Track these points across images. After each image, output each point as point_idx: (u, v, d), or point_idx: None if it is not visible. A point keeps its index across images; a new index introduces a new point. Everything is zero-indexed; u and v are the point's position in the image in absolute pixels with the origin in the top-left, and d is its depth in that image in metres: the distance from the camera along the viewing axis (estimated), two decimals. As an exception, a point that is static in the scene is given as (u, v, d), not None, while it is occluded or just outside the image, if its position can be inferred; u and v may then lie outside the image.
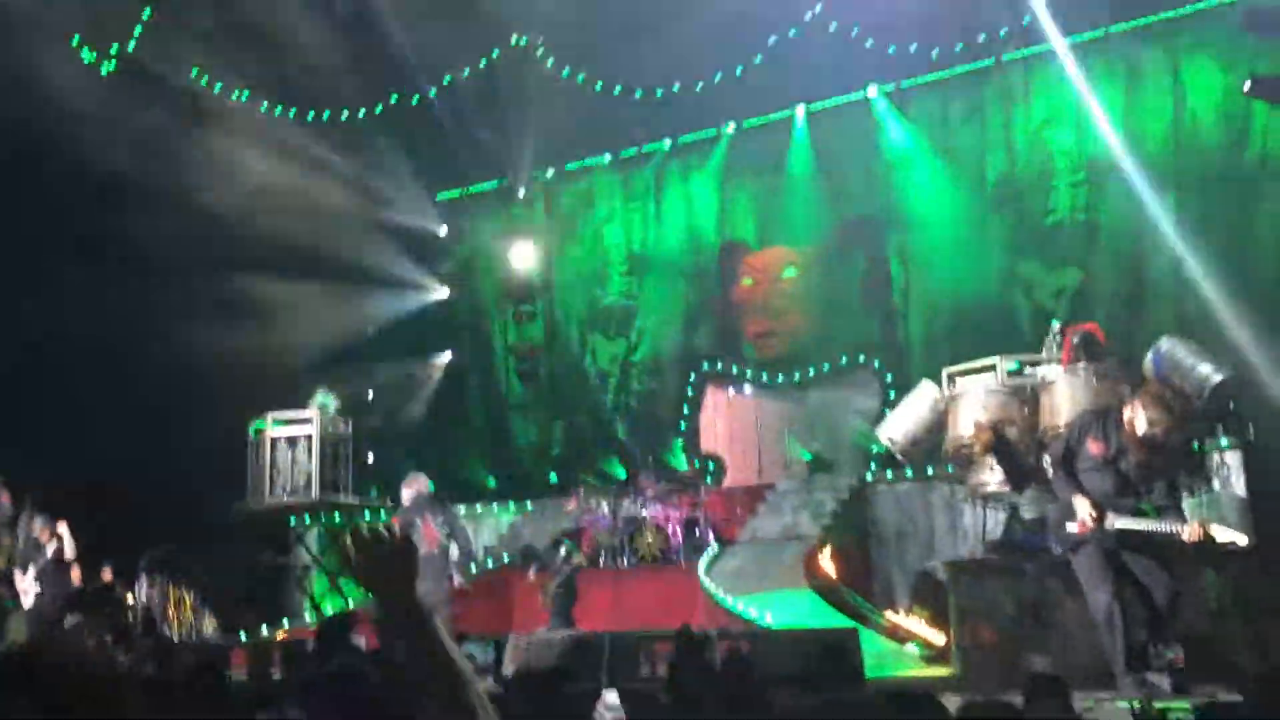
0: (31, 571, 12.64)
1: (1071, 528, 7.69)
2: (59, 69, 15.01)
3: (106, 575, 14.90)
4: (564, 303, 19.04)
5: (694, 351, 17.60)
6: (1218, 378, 9.57)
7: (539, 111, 17.06)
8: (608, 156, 18.71)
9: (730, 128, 17.46)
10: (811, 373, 16.36)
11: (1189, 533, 7.25)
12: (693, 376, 17.40)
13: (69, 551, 12.75)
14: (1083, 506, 7.57)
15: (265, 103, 17.45)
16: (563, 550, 12.50)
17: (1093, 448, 7.74)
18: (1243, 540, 7.42)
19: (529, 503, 16.40)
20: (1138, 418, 7.48)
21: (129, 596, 14.99)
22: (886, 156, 16.31)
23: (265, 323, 16.10)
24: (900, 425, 11.37)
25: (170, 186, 15.61)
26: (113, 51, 16.24)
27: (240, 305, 16.01)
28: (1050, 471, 8.14)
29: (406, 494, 11.86)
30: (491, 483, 18.54)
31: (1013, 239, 15.31)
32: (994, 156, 15.62)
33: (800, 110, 16.81)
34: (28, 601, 12.63)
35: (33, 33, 14.63)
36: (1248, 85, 11.89)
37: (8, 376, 14.81)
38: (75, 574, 13.23)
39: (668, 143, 18.10)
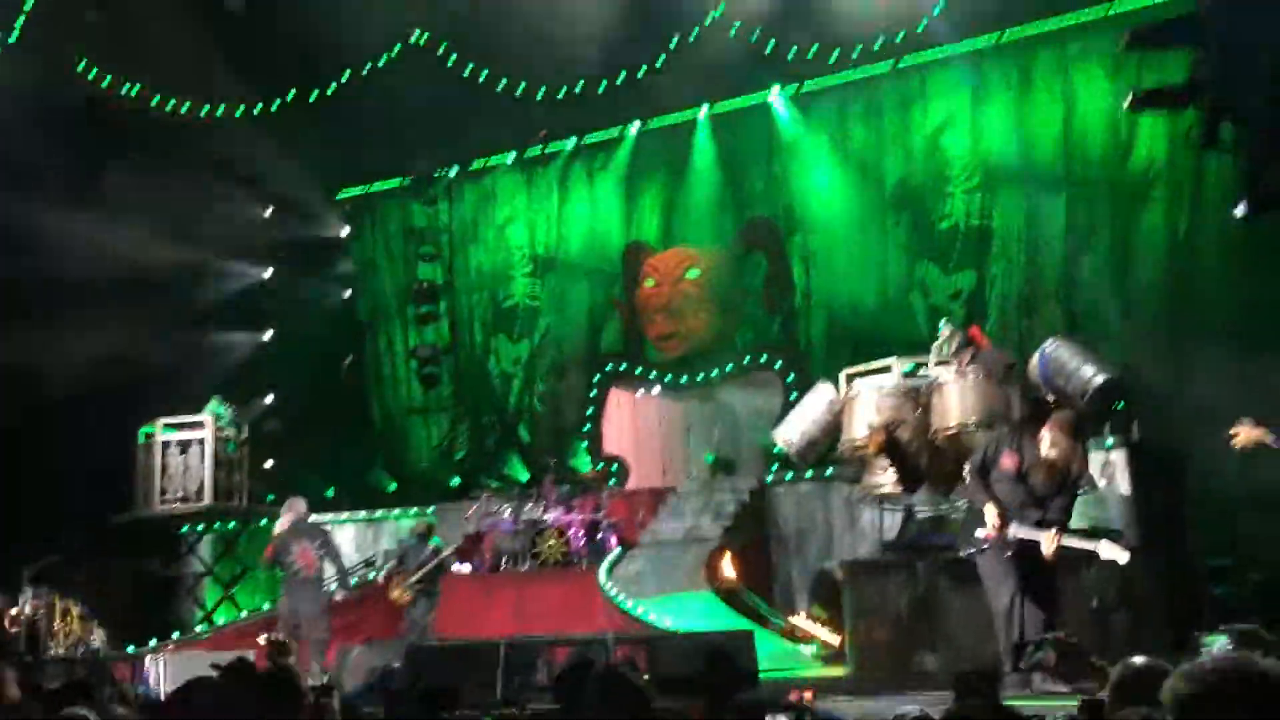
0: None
1: (980, 533, 7.90)
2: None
3: (-13, 589, 14.39)
4: (467, 304, 18.84)
5: (597, 353, 17.54)
6: (1100, 379, 9.78)
7: (440, 110, 16.82)
8: (511, 156, 18.55)
9: (634, 128, 17.43)
10: (714, 374, 16.39)
11: (1048, 546, 7.56)
12: (596, 378, 17.32)
13: None
14: (991, 514, 7.79)
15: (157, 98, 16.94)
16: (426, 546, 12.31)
17: (1006, 461, 7.98)
18: (1123, 558, 7.63)
19: (431, 508, 16.16)
20: (1043, 441, 7.77)
21: (12, 610, 14.49)
22: (787, 158, 16.41)
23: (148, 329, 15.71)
24: (796, 427, 11.44)
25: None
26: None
27: (125, 310, 15.53)
28: (967, 479, 8.33)
29: (284, 519, 11.80)
30: (392, 487, 18.28)
31: (910, 242, 15.49)
32: (892, 160, 15.79)
33: (703, 111, 16.83)
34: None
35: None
36: (1128, 101, 12.19)
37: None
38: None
39: (572, 142, 17.99)
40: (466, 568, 14.13)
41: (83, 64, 16.28)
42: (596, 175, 17.96)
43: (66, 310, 15.03)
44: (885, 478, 10.54)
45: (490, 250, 18.76)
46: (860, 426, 10.53)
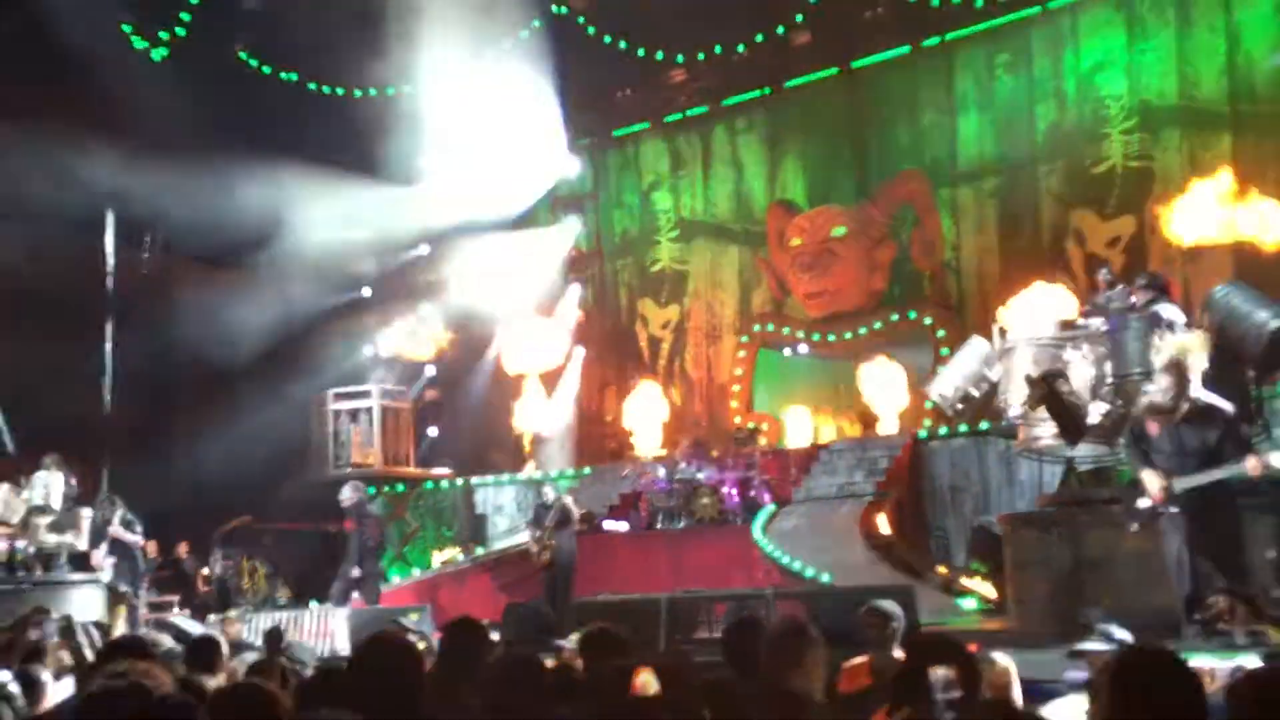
0: (104, 548, 13.05)
1: (1143, 503, 7.75)
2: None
3: (182, 550, 15.44)
4: (612, 269, 19.14)
5: (745, 314, 17.63)
6: (1275, 324, 9.43)
7: (583, 79, 17.07)
8: (653, 122, 18.71)
9: (776, 89, 17.37)
10: (863, 331, 16.34)
11: (1251, 467, 7.32)
12: (745, 339, 17.43)
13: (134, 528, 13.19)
14: (1152, 482, 7.63)
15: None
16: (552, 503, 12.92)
17: (1151, 427, 7.81)
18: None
19: (586, 469, 16.58)
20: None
21: (204, 570, 15.51)
22: (934, 110, 16.15)
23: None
24: (951, 381, 11.32)
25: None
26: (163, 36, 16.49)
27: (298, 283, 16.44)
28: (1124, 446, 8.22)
29: (351, 496, 13.08)
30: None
31: (1064, 188, 15.12)
32: (1043, 106, 15.41)
33: (846, 67, 16.67)
34: (105, 577, 13.06)
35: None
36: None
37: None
38: (151, 549, 13.69)
39: (714, 106, 18.03)
40: (622, 526, 14.47)
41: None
42: (739, 137, 18.00)
43: (247, 287, 16.00)
44: (1044, 430, 10.37)
45: (635, 215, 19.01)
46: (1017, 379, 10.39)
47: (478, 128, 17.53)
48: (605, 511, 14.85)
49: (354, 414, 15.81)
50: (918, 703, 3.49)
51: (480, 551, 15.46)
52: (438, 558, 15.95)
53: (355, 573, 13.03)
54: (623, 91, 18.26)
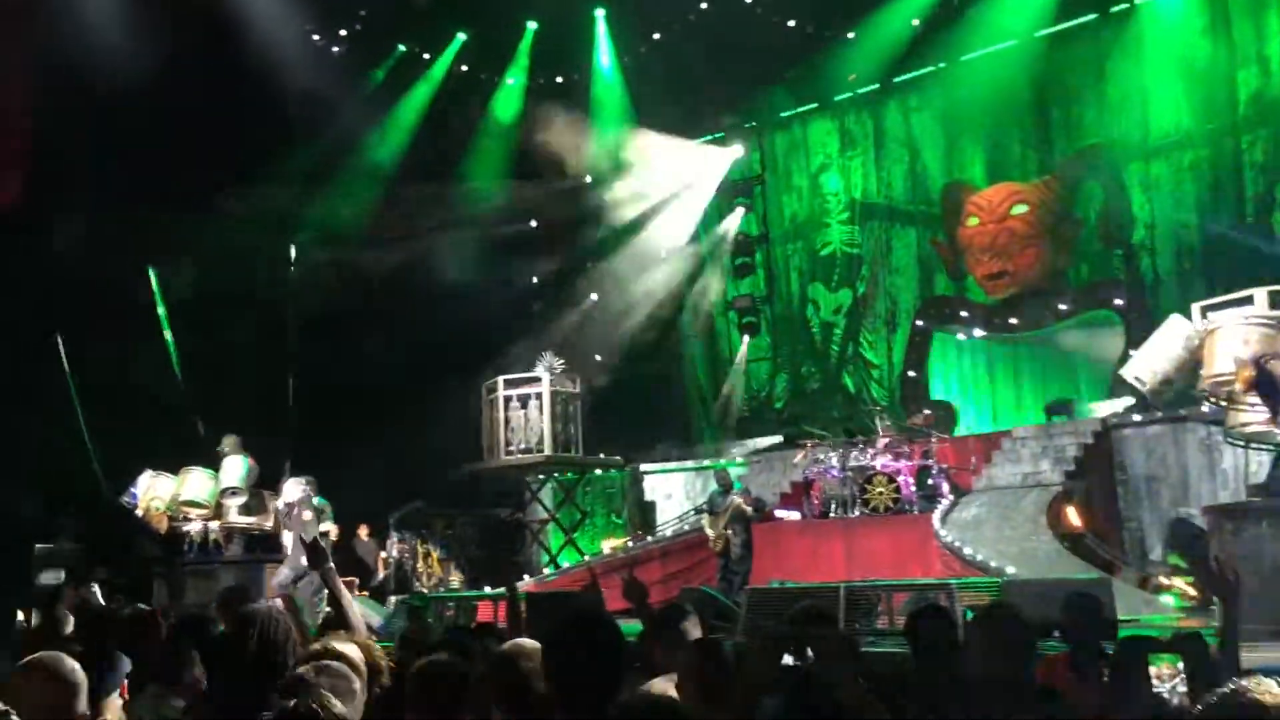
0: (297, 527, 13.47)
1: None
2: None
3: (361, 534, 15.88)
4: (782, 254, 18.83)
5: (922, 297, 17.08)
6: None
7: (747, 60, 16.82)
8: (822, 102, 18.30)
9: (949, 62, 16.74)
10: (1046, 312, 15.60)
11: None
12: (920, 322, 16.88)
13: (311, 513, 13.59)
14: None
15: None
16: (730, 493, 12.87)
17: None
18: None
19: (756, 456, 16.35)
20: None
21: (381, 553, 15.91)
22: (1122, 80, 15.27)
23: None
24: (1150, 363, 10.66)
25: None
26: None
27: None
28: None
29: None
30: (716, 437, 18.62)
31: (1269, 160, 14.08)
32: (1245, 73, 14.38)
33: (1024, 38, 15.90)
34: (294, 558, 13.50)
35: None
36: None
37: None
38: (333, 532, 14.09)
39: (884, 83, 17.52)
40: (794, 514, 14.20)
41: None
42: (912, 114, 17.43)
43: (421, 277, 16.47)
44: (1254, 415, 9.64)
45: (804, 198, 18.64)
46: (1224, 361, 9.68)
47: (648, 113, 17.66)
48: (776, 499, 14.60)
49: (524, 400, 15.92)
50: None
51: (650, 539, 15.42)
52: (607, 545, 15.98)
53: None
54: (790, 71, 17.87)
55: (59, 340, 14.54)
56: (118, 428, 14.38)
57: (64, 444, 14.29)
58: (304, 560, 12.29)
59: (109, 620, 5.95)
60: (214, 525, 13.57)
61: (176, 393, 15.87)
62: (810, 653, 4.29)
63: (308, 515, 12.63)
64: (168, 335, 16.06)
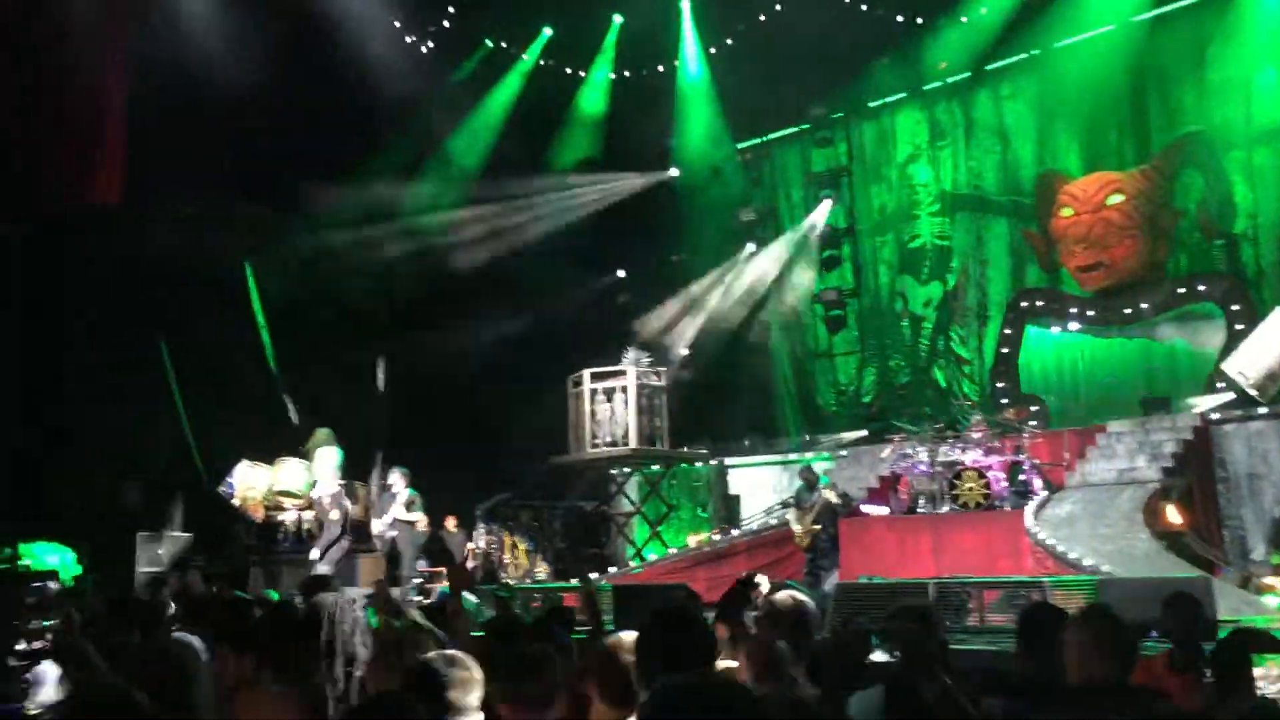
0: (387, 519, 13.75)
1: None
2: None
3: (449, 525, 16.09)
4: (870, 246, 18.63)
5: (1014, 290, 16.76)
6: None
7: (835, 51, 16.65)
8: (911, 91, 18.04)
9: (1042, 49, 16.38)
10: (1144, 306, 15.19)
11: None
12: (1012, 315, 16.57)
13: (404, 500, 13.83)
14: None
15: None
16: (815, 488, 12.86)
17: None
18: None
19: (843, 450, 16.21)
20: None
21: (469, 545, 16.11)
22: (1225, 64, 14.79)
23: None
24: (1253, 358, 10.37)
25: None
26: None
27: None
28: None
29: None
30: (802, 431, 18.50)
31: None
32: (1360, 53, 13.85)
33: (1119, 23, 15.50)
34: (385, 548, 13.77)
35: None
36: None
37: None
38: (421, 523, 14.32)
39: (975, 72, 17.20)
40: (882, 509, 14.05)
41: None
42: (1004, 103, 17.10)
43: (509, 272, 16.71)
44: (1366, 411, 9.31)
45: (893, 190, 18.41)
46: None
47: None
48: (863, 494, 14.46)
49: (609, 393, 15.99)
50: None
51: (736, 532, 15.39)
52: (692, 539, 15.99)
53: None
54: (878, 61, 17.63)
55: (160, 336, 14.99)
56: (216, 420, 14.78)
57: (165, 436, 14.74)
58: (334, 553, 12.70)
59: (211, 606, 6.13)
60: (307, 515, 13.86)
61: (271, 385, 16.25)
62: (898, 650, 4.26)
63: (335, 515, 12.87)
64: (263, 329, 16.44)
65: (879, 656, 4.94)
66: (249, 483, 13.78)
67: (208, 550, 14.04)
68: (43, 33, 13.87)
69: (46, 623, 7.91)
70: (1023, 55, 16.62)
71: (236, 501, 13.72)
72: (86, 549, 13.16)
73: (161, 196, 14.71)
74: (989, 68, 17.07)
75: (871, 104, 18.55)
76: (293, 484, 13.79)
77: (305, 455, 13.91)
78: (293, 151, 14.36)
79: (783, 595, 4.26)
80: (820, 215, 18.92)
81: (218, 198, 15.00)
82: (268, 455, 13.91)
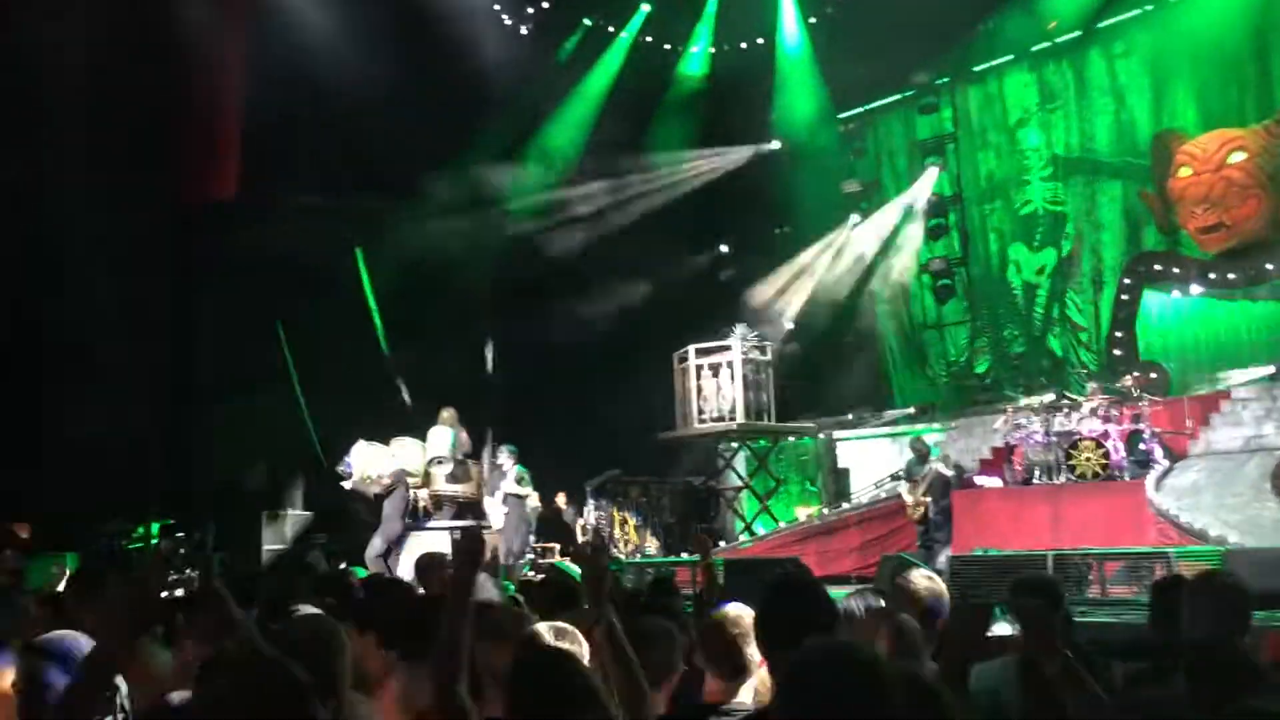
0: (499, 496, 13.99)
1: None
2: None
3: (560, 501, 16.30)
4: (978, 214, 18.23)
5: (1132, 254, 16.26)
6: None
7: (938, 15, 16.30)
8: (1018, 53, 17.58)
9: (1156, 5, 15.81)
10: (1268, 266, 14.61)
11: None
12: (1128, 280, 16.09)
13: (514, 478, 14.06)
14: None
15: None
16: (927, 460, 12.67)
17: None
18: None
19: (953, 422, 15.97)
20: None
21: (580, 520, 16.30)
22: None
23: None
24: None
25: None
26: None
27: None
28: None
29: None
30: (910, 402, 18.27)
31: None
32: None
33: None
34: (496, 523, 14.01)
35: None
36: None
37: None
38: (533, 500, 14.54)
39: (1086, 30, 16.67)
40: (995, 481, 13.82)
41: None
42: (1117, 62, 16.55)
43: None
44: None
45: (1001, 155, 17.98)
46: None
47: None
48: (976, 466, 14.24)
49: (715, 368, 15.99)
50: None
51: (846, 506, 15.29)
52: (802, 512, 15.93)
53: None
54: (983, 23, 17.20)
55: (279, 323, 15.46)
56: (332, 403, 15.20)
57: (285, 419, 15.21)
58: (396, 528, 12.95)
59: (337, 582, 6.33)
60: (423, 493, 14.17)
61: (384, 368, 16.64)
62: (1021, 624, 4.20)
63: (391, 507, 13.18)
64: (375, 314, 16.82)
65: (1002, 629, 4.87)
66: (366, 462, 14.13)
67: (328, 529, 14.46)
68: (167, 32, 14.35)
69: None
70: (1136, 11, 16.06)
71: (354, 480, 14.08)
72: (213, 528, 13.69)
73: (275, 189, 15.13)
74: (1101, 25, 16.54)
75: (977, 68, 18.11)
76: (408, 463, 14.10)
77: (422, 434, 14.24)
78: (400, 139, 14.61)
79: (917, 577, 4.23)
80: (926, 183, 18.60)
81: (329, 188, 15.37)
82: (382, 435, 14.25)
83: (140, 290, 14.30)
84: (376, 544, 12.75)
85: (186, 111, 15.43)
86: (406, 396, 16.44)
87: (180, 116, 15.45)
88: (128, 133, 14.60)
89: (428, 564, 7.39)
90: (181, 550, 12.86)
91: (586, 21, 18.12)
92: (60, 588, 7.10)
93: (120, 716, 3.18)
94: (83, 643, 3.12)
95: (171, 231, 15.12)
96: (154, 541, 13.15)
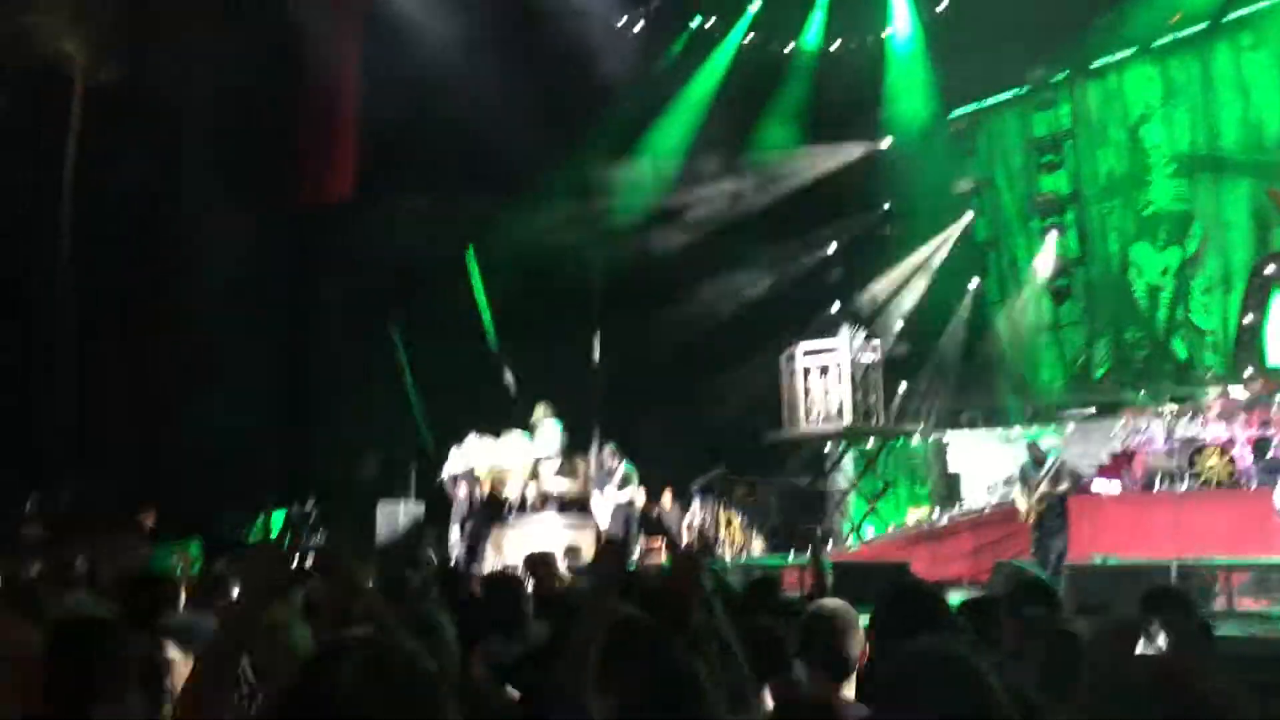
0: (607, 492, 14.11)
1: None
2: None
3: (665, 499, 16.35)
4: (1098, 213, 17.74)
5: (1259, 254, 15.66)
6: None
7: (1055, 9, 15.92)
8: (1140, 47, 17.06)
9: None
10: None
11: None
12: (1257, 281, 15.49)
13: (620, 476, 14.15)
14: None
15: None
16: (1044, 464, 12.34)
17: None
18: None
19: (1070, 426, 15.58)
20: None
21: (685, 518, 16.31)
22: None
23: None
24: None
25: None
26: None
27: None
28: None
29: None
30: (1024, 405, 17.88)
31: None
32: None
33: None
34: (604, 521, 14.13)
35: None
36: None
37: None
38: (639, 498, 14.62)
39: (1212, 23, 16.12)
40: (1114, 486, 13.44)
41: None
42: (1244, 55, 15.96)
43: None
44: None
45: (1122, 153, 17.46)
46: None
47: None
48: (1093, 471, 13.87)
49: (823, 369, 15.83)
50: None
51: (958, 509, 15.03)
52: (912, 515, 15.71)
53: None
54: (1103, 18, 16.75)
55: (392, 320, 15.82)
56: (443, 397, 15.50)
57: (398, 412, 15.56)
58: (475, 526, 13.13)
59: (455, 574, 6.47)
60: (531, 488, 14.35)
61: (493, 363, 16.90)
62: (1162, 641, 4.05)
63: (462, 492, 13.32)
64: (484, 310, 17.09)
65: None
66: (476, 456, 14.37)
67: (438, 520, 14.74)
68: (287, 41, 14.80)
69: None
70: (1266, 3, 15.45)
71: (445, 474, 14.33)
72: (336, 503, 14.12)
73: (390, 190, 15.49)
74: (1228, 18, 15.96)
75: (1096, 63, 17.62)
76: (516, 456, 14.30)
77: (529, 428, 14.43)
78: (511, 139, 14.80)
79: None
80: (1041, 182, 18.16)
81: (442, 188, 15.67)
82: (492, 429, 14.47)
83: (261, 288, 14.78)
84: (455, 539, 13.04)
85: (306, 117, 15.90)
86: (514, 392, 16.67)
87: (300, 122, 15.94)
88: (250, 138, 15.13)
89: (539, 560, 7.51)
90: (310, 519, 13.28)
91: (695, 22, 18.12)
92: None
93: (245, 688, 3.26)
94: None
95: (292, 232, 15.60)
96: (272, 531, 13.55)
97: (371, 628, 2.56)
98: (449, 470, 14.08)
